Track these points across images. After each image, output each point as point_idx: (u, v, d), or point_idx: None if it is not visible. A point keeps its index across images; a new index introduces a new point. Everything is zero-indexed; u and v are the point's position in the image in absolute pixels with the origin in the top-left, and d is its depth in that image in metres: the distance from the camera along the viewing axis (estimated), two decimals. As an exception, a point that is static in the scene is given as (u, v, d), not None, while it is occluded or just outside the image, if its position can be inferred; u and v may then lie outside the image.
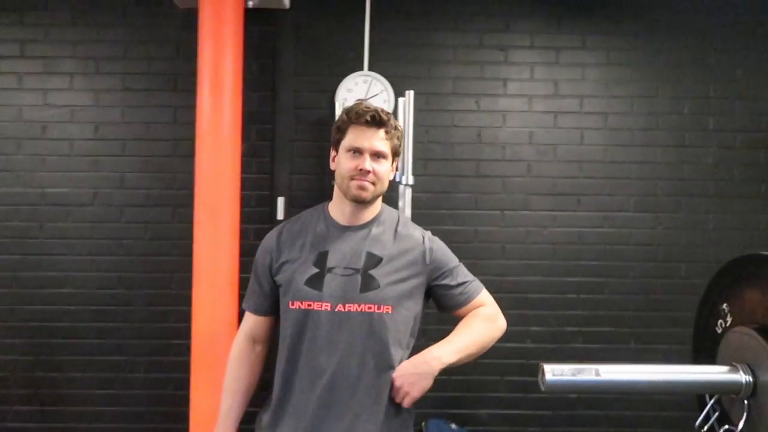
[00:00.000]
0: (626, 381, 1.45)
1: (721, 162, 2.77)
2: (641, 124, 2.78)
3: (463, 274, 1.55)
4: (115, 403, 2.72)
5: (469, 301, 1.53)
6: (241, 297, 2.23)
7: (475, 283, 1.56)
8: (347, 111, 1.47)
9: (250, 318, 1.56)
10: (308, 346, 1.41)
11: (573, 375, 1.40)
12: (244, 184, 2.66)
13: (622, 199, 2.77)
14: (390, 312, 1.42)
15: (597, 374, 1.40)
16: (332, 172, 1.48)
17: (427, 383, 1.41)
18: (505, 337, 1.58)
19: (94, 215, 2.74)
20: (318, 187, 2.75)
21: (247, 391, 1.55)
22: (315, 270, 1.43)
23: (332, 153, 1.51)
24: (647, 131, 2.78)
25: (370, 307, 1.41)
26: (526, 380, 2.73)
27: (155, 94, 2.75)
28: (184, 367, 2.44)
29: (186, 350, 2.44)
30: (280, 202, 2.72)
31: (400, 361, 1.43)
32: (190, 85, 2.56)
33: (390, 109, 2.68)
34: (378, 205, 1.52)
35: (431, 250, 1.51)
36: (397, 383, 1.41)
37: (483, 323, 1.52)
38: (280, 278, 1.47)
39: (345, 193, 1.45)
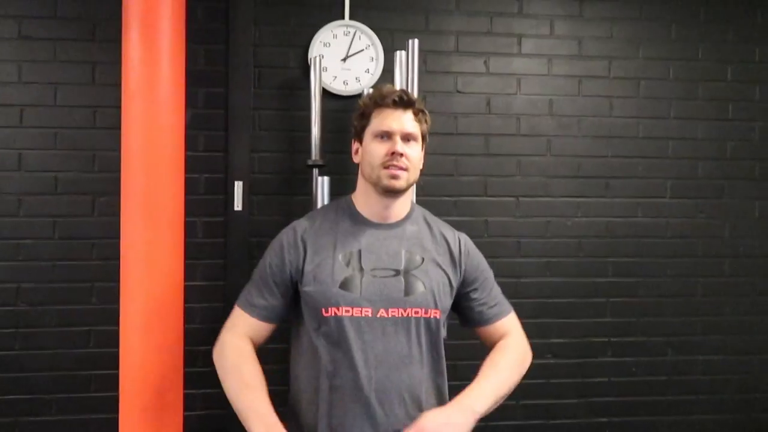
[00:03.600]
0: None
1: (766, 138, 2.36)
2: (679, 93, 2.33)
3: (496, 289, 1.49)
4: (18, 458, 2.06)
5: (498, 319, 1.46)
6: (186, 311, 1.72)
7: (506, 303, 1.50)
8: (369, 96, 1.40)
9: (251, 322, 1.39)
10: (349, 359, 1.28)
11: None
12: (190, 165, 2.02)
13: (658, 183, 2.32)
14: (438, 317, 1.34)
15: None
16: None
17: None
18: None
19: (-18, 207, 2.05)
20: (287, 168, 2.15)
21: (266, 393, 1.32)
22: (349, 272, 1.32)
23: (355, 145, 1.43)
24: (686, 101, 2.33)
25: (417, 312, 1.32)
26: (549, 403, 2.26)
27: (65, 45, 2.06)
28: (111, 406, 1.85)
29: (114, 384, 1.80)
30: (238, 187, 2.10)
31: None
32: (113, 34, 1.93)
33: (379, 70, 2.13)
34: (409, 199, 1.43)
35: (467, 254, 1.44)
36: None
37: (513, 361, 1.43)
38: (306, 284, 1.33)
39: (376, 184, 1.35)
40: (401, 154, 1.32)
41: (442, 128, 2.22)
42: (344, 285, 1.30)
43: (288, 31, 2.14)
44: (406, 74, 1.96)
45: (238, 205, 2.10)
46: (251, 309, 1.39)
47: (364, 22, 2.13)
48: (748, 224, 2.36)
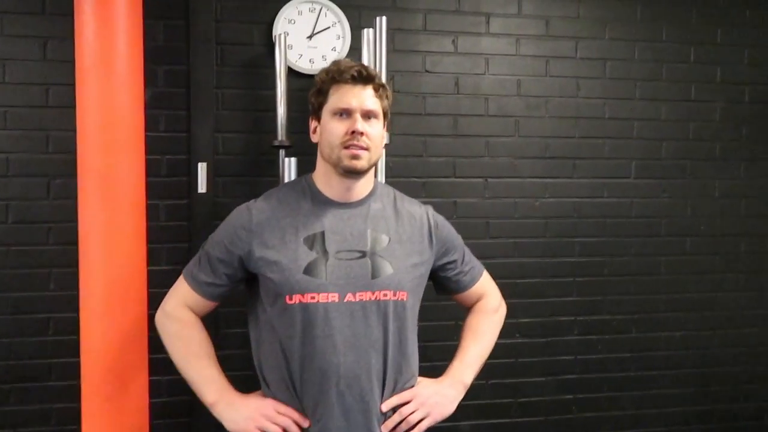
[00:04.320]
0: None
1: (728, 119, 2.40)
2: (644, 74, 2.34)
3: (467, 254, 1.48)
4: (-27, 451, 1.98)
5: (474, 284, 1.48)
6: (150, 296, 1.68)
7: (477, 262, 1.51)
8: (326, 71, 1.31)
9: (193, 295, 1.34)
10: (317, 346, 1.23)
11: None
12: (152, 146, 1.96)
13: (623, 163, 2.34)
14: (405, 299, 1.30)
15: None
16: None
17: (450, 408, 1.36)
18: None
19: (-73, 191, 1.94)
20: (253, 149, 2.09)
21: (215, 360, 1.33)
22: (312, 255, 1.25)
23: (312, 123, 1.35)
24: (651, 82, 2.35)
25: (385, 294, 1.27)
26: (517, 382, 2.28)
27: (13, 18, 1.95)
28: (72, 395, 1.82)
29: (75, 372, 1.75)
30: (201, 169, 2.03)
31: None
32: (65, 8, 1.83)
33: (346, 48, 2.08)
34: (371, 177, 1.36)
35: (436, 226, 1.40)
36: (414, 405, 1.30)
37: (492, 323, 1.49)
38: (262, 268, 1.26)
39: (336, 165, 1.28)
40: (361, 133, 1.25)
41: (410, 108, 2.19)
42: (308, 270, 1.24)
43: (251, 7, 2.06)
44: (374, 53, 1.91)
45: (201, 187, 2.04)
46: (194, 283, 1.34)
47: (330, -1, 2.08)
48: (709, 204, 2.40)
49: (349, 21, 2.08)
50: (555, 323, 2.32)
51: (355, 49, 2.04)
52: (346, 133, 1.25)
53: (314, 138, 1.35)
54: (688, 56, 2.37)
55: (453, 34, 2.21)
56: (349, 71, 1.27)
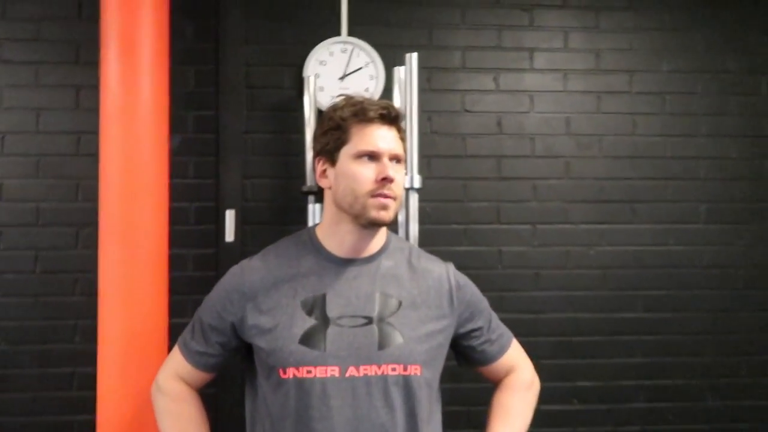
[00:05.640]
0: None
1: (809, 156, 2.15)
2: (709, 108, 2.13)
3: (495, 319, 1.30)
4: None
5: (502, 354, 1.29)
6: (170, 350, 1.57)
7: (505, 329, 1.32)
8: (344, 107, 1.16)
9: (184, 365, 1.22)
10: (311, 430, 1.07)
11: None
12: (180, 193, 1.92)
13: (690, 207, 2.11)
14: (419, 374, 1.12)
15: None
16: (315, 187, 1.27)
17: None
18: (543, 397, 1.32)
19: (-41, 240, 1.93)
20: (281, 195, 2.00)
21: None
22: (311, 322, 1.11)
23: (321, 165, 1.18)
24: (717, 117, 2.13)
25: (394, 369, 1.10)
26: (575, 456, 2.02)
27: (48, 68, 1.96)
28: None
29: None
30: (229, 216, 1.95)
31: None
32: (98, 56, 1.79)
33: (380, 88, 1.99)
34: (384, 229, 1.21)
35: (458, 287, 1.22)
36: None
37: (525, 402, 1.29)
38: (255, 337, 1.13)
39: (358, 216, 1.13)
40: (392, 180, 1.11)
41: (448, 150, 2.05)
42: (305, 339, 1.09)
43: (281, 50, 2.02)
44: (406, 91, 1.80)
45: (229, 236, 1.95)
46: (186, 352, 1.22)
47: (362, 38, 2.00)
48: (793, 252, 2.12)
49: (383, 60, 2.00)
50: (617, 388, 2.05)
51: (388, 90, 1.94)
52: (376, 180, 1.11)
53: (324, 183, 1.19)
54: (757, 87, 2.15)
55: (494, 71, 2.09)
56: (375, 110, 1.14)
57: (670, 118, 2.12)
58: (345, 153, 1.14)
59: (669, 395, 2.06)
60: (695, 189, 2.11)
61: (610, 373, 2.06)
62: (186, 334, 1.25)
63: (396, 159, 1.15)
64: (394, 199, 1.13)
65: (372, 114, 1.13)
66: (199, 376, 1.23)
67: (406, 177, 1.76)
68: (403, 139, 1.18)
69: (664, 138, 2.11)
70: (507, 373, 1.29)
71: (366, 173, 1.11)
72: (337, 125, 1.15)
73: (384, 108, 1.15)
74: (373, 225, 1.13)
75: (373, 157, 1.12)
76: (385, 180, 1.10)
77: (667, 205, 2.10)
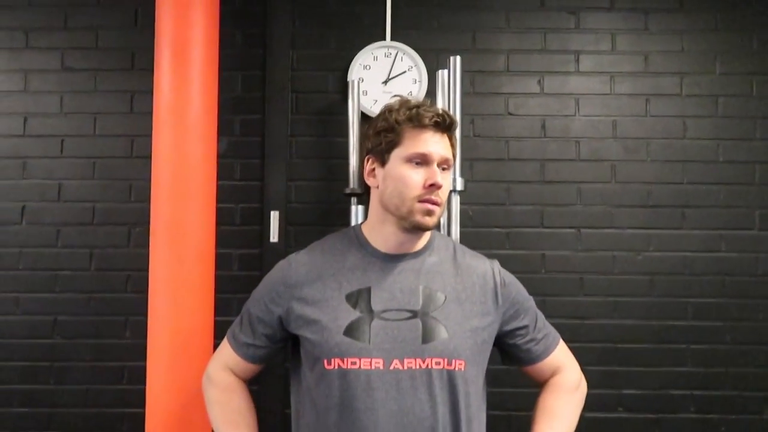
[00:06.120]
0: None
1: None
2: (763, 111, 2.05)
3: (541, 318, 1.28)
4: (44, 501, 1.97)
5: (547, 354, 1.26)
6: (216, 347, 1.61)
7: (552, 329, 1.30)
8: (401, 108, 1.16)
9: (233, 356, 1.26)
10: (356, 422, 1.08)
11: None
12: (226, 194, 1.97)
13: (744, 212, 2.03)
14: (463, 369, 1.11)
15: None
16: (364, 187, 1.22)
17: None
18: (588, 405, 1.29)
19: (21, 237, 2.03)
20: (325, 197, 2.03)
21: (254, 429, 1.23)
22: (355, 314, 1.12)
23: (370, 164, 1.20)
24: (773, 119, 2.05)
25: (438, 363, 1.10)
26: (620, 467, 1.96)
27: (105, 75, 2.05)
28: None
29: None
30: (274, 218, 1.99)
31: None
32: (152, 63, 1.86)
33: (423, 92, 1.99)
34: None
35: (503, 284, 1.21)
36: None
37: (571, 404, 1.26)
38: (301, 329, 1.14)
39: (403, 219, 1.14)
40: (440, 186, 1.12)
41: (491, 153, 2.04)
42: (350, 331, 1.10)
43: (326, 55, 2.05)
44: (448, 94, 1.80)
45: (273, 237, 1.99)
46: (235, 344, 1.26)
47: (406, 43, 2.02)
48: None
49: (426, 64, 2.01)
50: (666, 397, 1.99)
51: (431, 93, 1.95)
52: (424, 186, 1.12)
53: (371, 182, 1.20)
54: (818, 89, 2.06)
55: (539, 74, 2.07)
56: (431, 117, 1.14)
57: (723, 121, 2.05)
58: (396, 155, 1.15)
59: (722, 406, 1.98)
60: (749, 194, 2.03)
61: (659, 381, 1.99)
62: (235, 326, 1.28)
63: (445, 165, 1.15)
64: (440, 205, 1.14)
65: (426, 120, 1.14)
66: (247, 368, 1.26)
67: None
68: (453, 146, 1.18)
69: (717, 142, 2.05)
70: (553, 374, 1.27)
71: (415, 177, 1.12)
72: (391, 127, 1.15)
73: (439, 116, 1.15)
74: (417, 229, 1.15)
75: (422, 162, 1.13)
76: (433, 186, 1.11)
77: (720, 210, 2.03)
